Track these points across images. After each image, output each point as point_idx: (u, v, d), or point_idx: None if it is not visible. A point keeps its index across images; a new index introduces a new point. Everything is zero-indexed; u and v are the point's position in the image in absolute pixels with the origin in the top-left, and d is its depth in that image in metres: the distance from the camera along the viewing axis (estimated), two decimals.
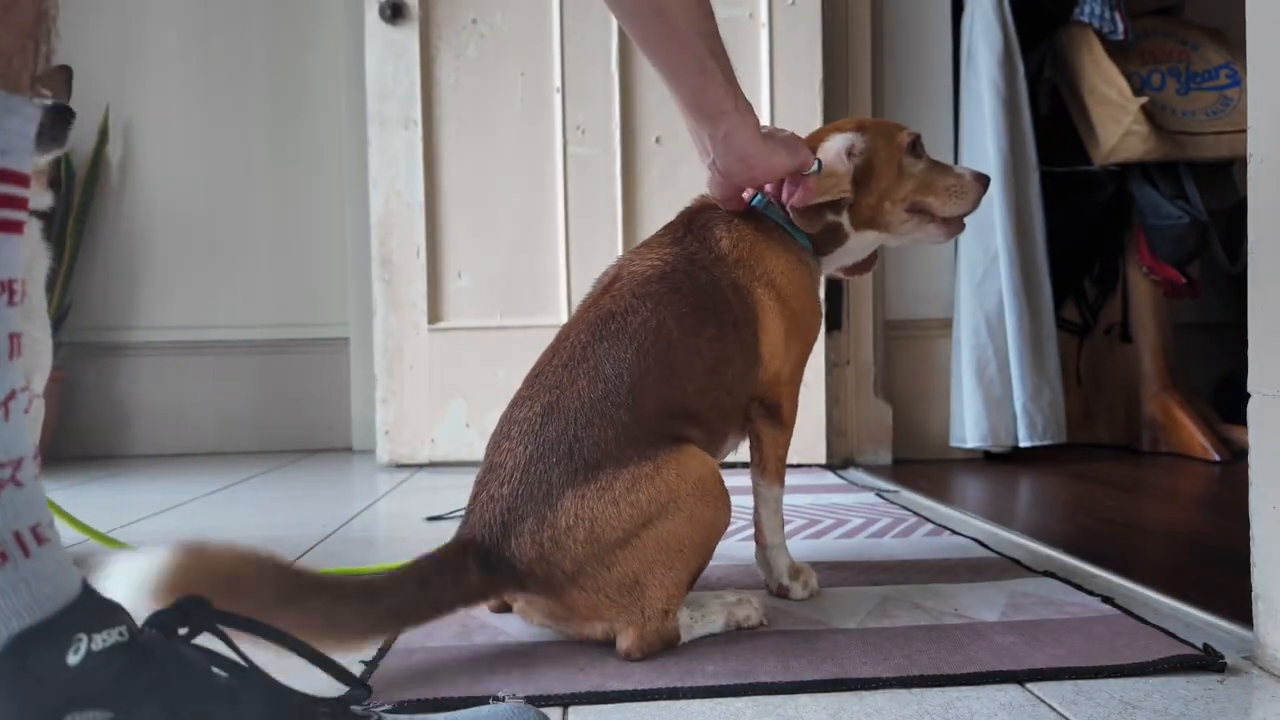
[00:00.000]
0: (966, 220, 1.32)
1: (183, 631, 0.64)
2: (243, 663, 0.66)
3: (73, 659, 0.56)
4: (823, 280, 1.30)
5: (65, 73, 1.53)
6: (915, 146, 1.28)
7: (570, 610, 1.01)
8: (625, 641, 0.99)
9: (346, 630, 0.88)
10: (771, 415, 1.19)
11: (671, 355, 1.08)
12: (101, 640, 0.58)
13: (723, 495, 1.05)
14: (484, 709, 0.75)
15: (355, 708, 0.71)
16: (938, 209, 1.28)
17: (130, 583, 0.73)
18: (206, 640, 0.66)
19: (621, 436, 1.01)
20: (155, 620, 0.64)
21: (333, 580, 0.90)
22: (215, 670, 0.64)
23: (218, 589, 0.74)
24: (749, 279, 1.17)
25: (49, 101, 1.32)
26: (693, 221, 1.23)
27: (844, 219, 1.25)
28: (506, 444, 1.04)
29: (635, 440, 1.02)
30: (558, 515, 0.97)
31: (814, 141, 1.28)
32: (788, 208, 1.20)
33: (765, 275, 1.18)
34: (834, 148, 1.24)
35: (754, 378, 1.17)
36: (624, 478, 0.99)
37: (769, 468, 1.21)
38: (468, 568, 0.98)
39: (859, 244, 1.29)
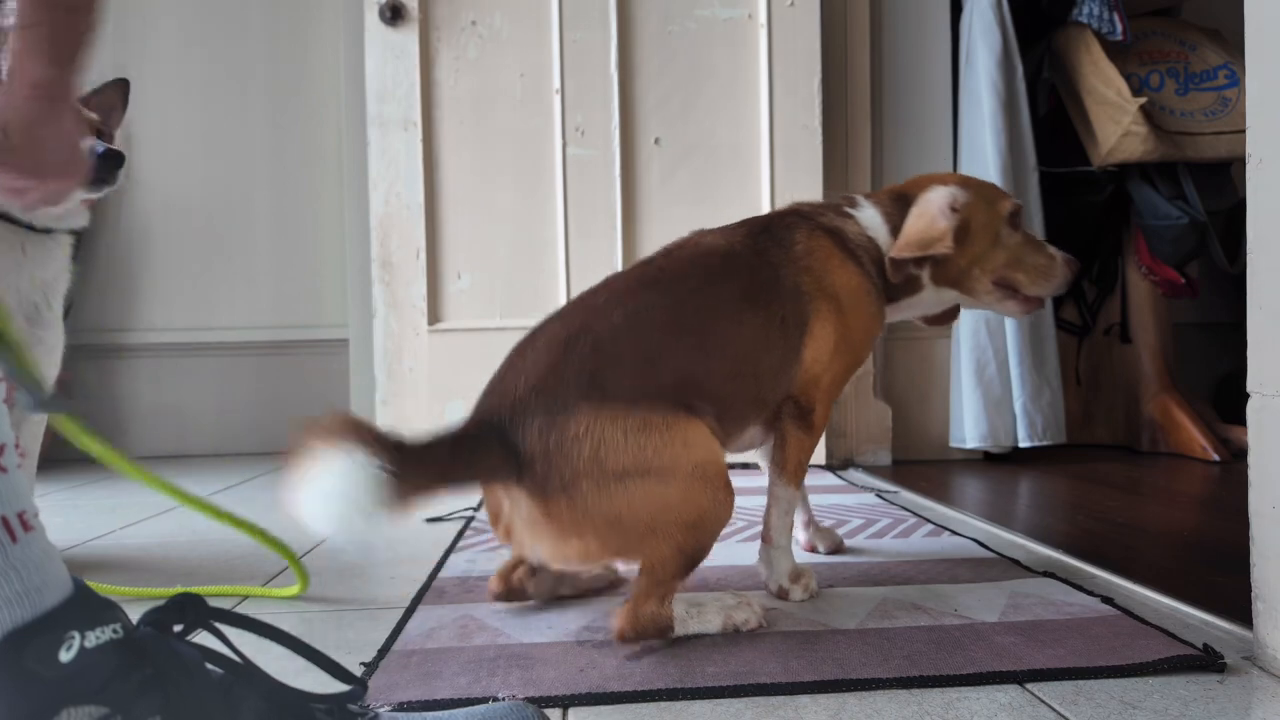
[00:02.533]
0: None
1: (178, 629, 0.65)
2: (238, 660, 0.66)
3: (65, 656, 0.57)
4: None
5: (122, 85, 1.53)
6: (1015, 217, 1.28)
7: (552, 520, 1.00)
8: (619, 620, 1.01)
9: (417, 485, 0.92)
10: (802, 418, 1.20)
11: (709, 329, 1.09)
12: (95, 638, 0.58)
13: (722, 487, 1.04)
14: (482, 708, 0.75)
15: (352, 705, 0.71)
16: (1025, 287, 1.28)
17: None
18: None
19: (640, 385, 1.02)
20: (150, 618, 0.64)
21: (394, 442, 0.94)
22: (211, 667, 0.64)
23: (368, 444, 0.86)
24: (813, 286, 1.18)
25: (100, 147, 1.33)
26: (775, 223, 1.24)
27: (924, 273, 1.26)
28: (530, 351, 1.06)
29: (652, 394, 1.03)
30: (569, 421, 0.98)
31: (914, 189, 1.29)
32: (890, 254, 1.22)
33: (830, 288, 1.19)
34: (937, 200, 1.24)
35: (790, 376, 1.18)
36: (636, 418, 1.00)
37: (789, 469, 1.21)
38: (492, 442, 1.00)
39: (934, 299, 1.31)
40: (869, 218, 1.27)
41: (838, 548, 1.47)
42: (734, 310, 1.12)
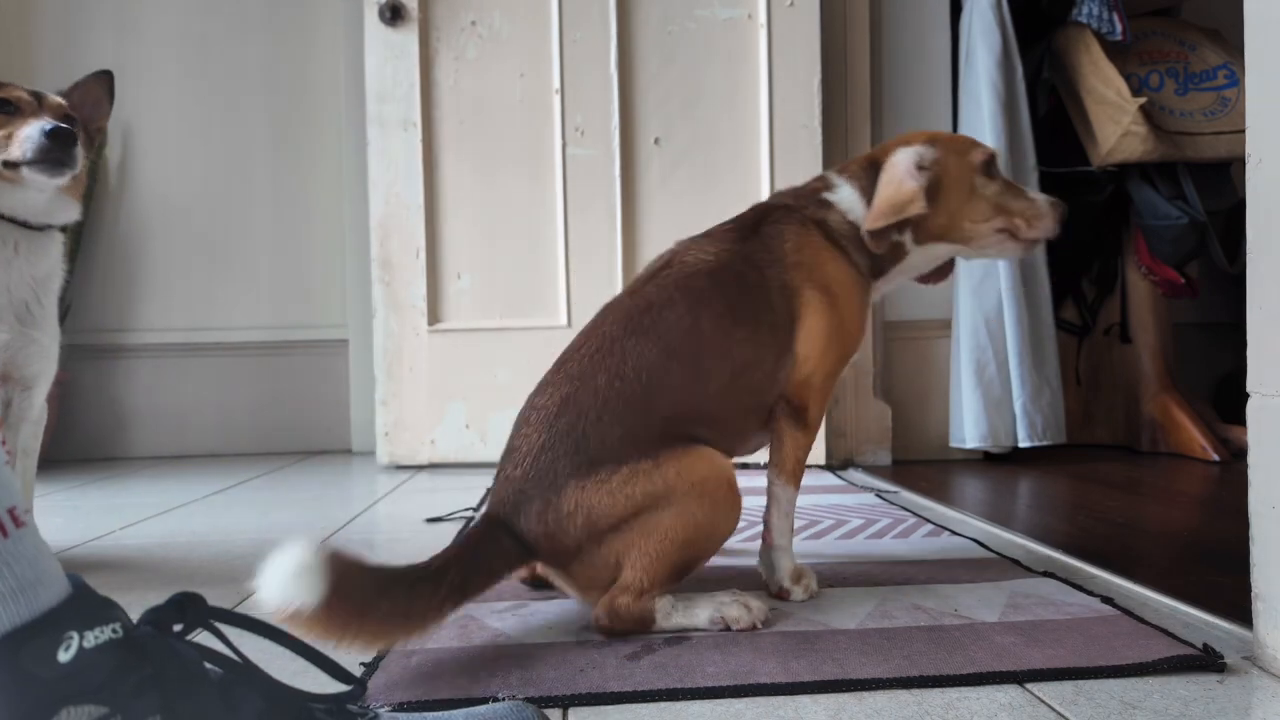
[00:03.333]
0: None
1: (177, 628, 0.64)
2: (238, 659, 0.66)
3: (64, 656, 0.57)
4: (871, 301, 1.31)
5: (105, 78, 1.49)
6: (989, 165, 1.27)
7: (572, 580, 1.08)
8: (597, 610, 1.05)
9: (427, 612, 0.95)
10: (797, 417, 1.20)
11: (698, 355, 1.12)
12: (94, 637, 0.58)
13: (726, 499, 1.07)
14: (482, 708, 0.75)
15: (351, 706, 0.71)
16: (1022, 232, 1.27)
17: (283, 573, 0.82)
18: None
19: (628, 437, 1.06)
20: (150, 617, 0.64)
21: (403, 572, 0.96)
22: (211, 666, 0.64)
23: (346, 586, 0.85)
24: (802, 280, 1.19)
25: (48, 125, 1.28)
26: (763, 219, 1.24)
27: (906, 237, 1.26)
28: (525, 429, 1.11)
29: (641, 441, 1.06)
30: (562, 501, 1.04)
31: (881, 154, 1.28)
32: (864, 228, 1.22)
33: (821, 280, 1.20)
34: (903, 162, 1.22)
35: (784, 377, 1.18)
36: (622, 473, 1.04)
37: (787, 468, 1.22)
38: (500, 537, 1.06)
39: (922, 258, 1.29)
40: (846, 198, 1.26)
41: None
42: (724, 329, 1.13)
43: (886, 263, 1.27)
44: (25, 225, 1.33)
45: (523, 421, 1.12)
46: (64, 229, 1.41)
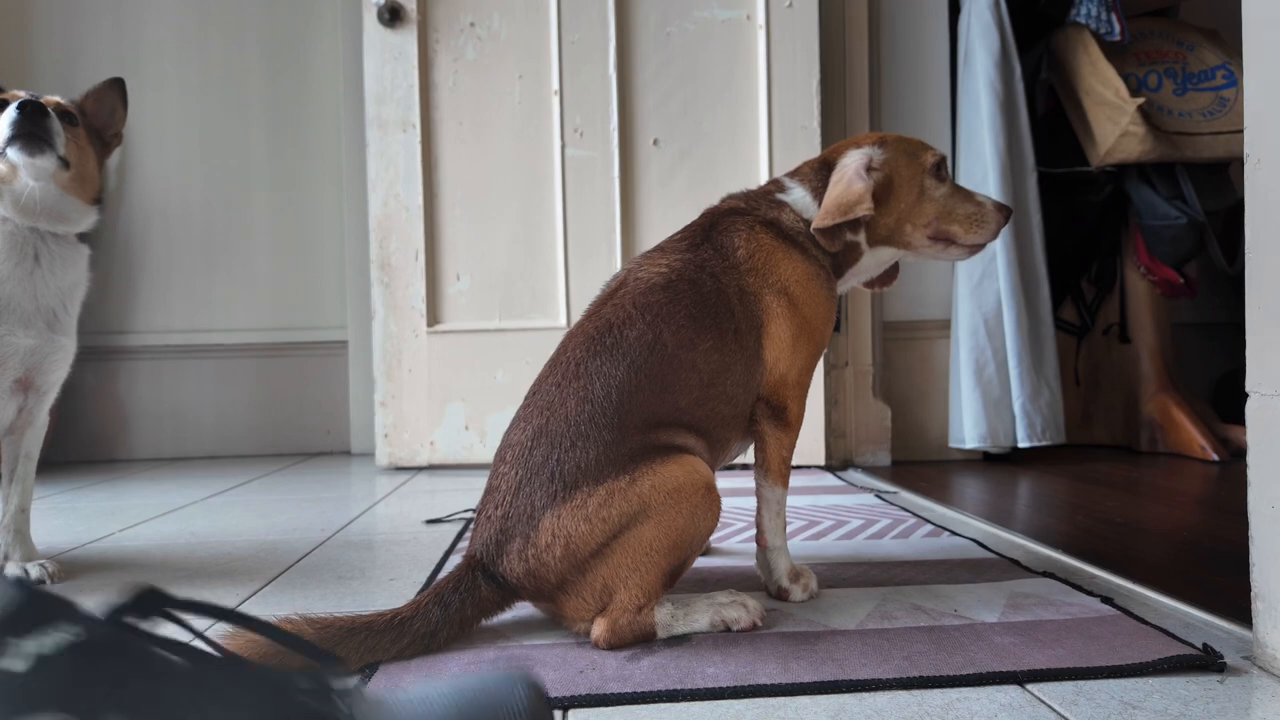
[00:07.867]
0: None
1: (142, 623, 0.62)
2: (210, 650, 0.64)
3: (18, 665, 0.55)
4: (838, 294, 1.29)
5: (118, 85, 1.48)
6: (939, 168, 1.27)
7: (561, 612, 1.07)
8: (597, 630, 1.04)
9: (412, 648, 0.99)
10: (777, 417, 1.20)
11: (665, 370, 1.11)
12: (52, 643, 0.56)
13: (703, 502, 1.06)
14: (473, 679, 0.72)
15: (333, 681, 0.68)
16: (961, 238, 1.27)
17: None
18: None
19: (603, 456, 1.05)
20: (112, 614, 0.61)
21: (364, 620, 0.98)
22: (180, 660, 0.61)
23: (274, 660, 0.84)
24: (759, 285, 1.18)
25: (17, 102, 1.27)
26: (714, 226, 1.23)
27: (860, 237, 1.25)
28: (502, 468, 1.10)
29: (616, 459, 1.05)
30: (539, 534, 1.03)
31: (832, 155, 1.28)
32: (812, 227, 1.22)
33: (779, 282, 1.19)
34: (853, 164, 1.23)
35: (757, 383, 1.18)
36: (598, 495, 1.03)
37: (772, 469, 1.21)
38: (478, 583, 1.06)
39: (873, 261, 1.28)
40: (799, 199, 1.26)
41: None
42: (688, 341, 1.12)
43: (843, 263, 1.27)
44: (51, 234, 1.36)
45: (500, 460, 1.11)
46: (83, 238, 1.44)
